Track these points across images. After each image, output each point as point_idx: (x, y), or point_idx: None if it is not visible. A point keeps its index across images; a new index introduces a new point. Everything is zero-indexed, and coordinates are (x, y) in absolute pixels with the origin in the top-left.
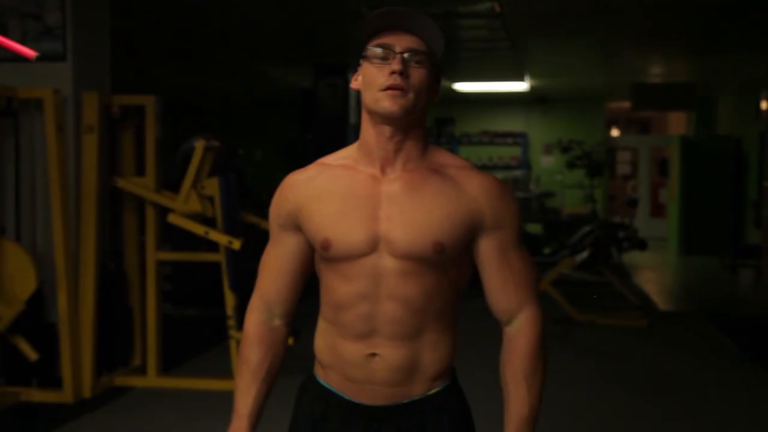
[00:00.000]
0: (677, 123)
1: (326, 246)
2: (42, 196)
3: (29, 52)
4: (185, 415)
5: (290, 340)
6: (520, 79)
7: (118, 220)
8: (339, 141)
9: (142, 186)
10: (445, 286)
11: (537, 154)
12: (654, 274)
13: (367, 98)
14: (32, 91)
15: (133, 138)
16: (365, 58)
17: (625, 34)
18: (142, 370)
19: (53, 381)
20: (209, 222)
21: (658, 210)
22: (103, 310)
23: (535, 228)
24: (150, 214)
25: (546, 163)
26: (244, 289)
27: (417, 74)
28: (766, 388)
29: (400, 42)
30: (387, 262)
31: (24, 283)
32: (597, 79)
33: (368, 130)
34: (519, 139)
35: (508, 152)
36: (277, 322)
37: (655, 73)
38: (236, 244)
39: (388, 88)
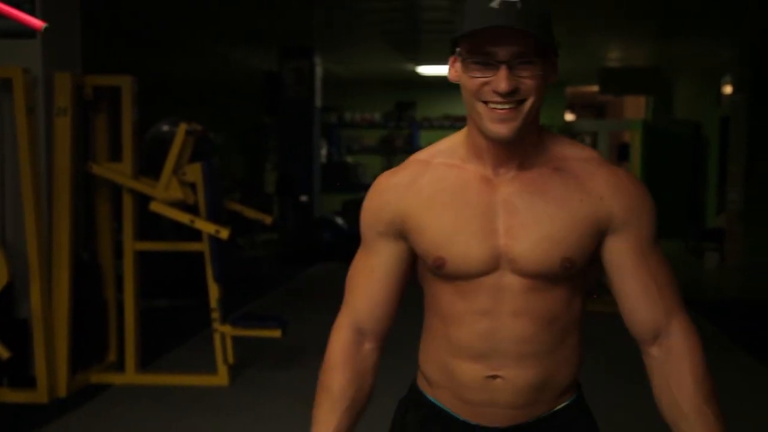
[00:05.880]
0: (633, 107)
1: (440, 265)
2: (11, 182)
3: (37, 23)
4: (168, 413)
5: (278, 333)
6: None
7: (90, 208)
8: (304, 125)
9: (119, 172)
10: (574, 296)
11: None
12: None
13: (468, 106)
14: None
15: (106, 122)
16: (461, 56)
17: (586, 18)
18: (118, 367)
19: (26, 380)
20: (190, 210)
21: None
22: (77, 304)
23: None
24: (127, 202)
25: None
26: (228, 281)
27: (527, 76)
28: (758, 374)
29: (503, 47)
30: (510, 280)
31: None
32: (559, 62)
33: (478, 135)
34: None
35: None
36: (368, 345)
37: (615, 57)
38: (224, 234)
39: (494, 108)
